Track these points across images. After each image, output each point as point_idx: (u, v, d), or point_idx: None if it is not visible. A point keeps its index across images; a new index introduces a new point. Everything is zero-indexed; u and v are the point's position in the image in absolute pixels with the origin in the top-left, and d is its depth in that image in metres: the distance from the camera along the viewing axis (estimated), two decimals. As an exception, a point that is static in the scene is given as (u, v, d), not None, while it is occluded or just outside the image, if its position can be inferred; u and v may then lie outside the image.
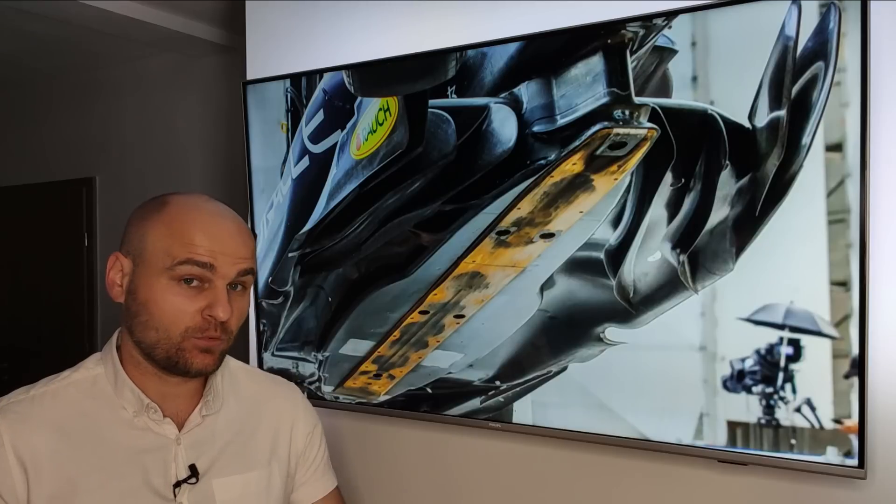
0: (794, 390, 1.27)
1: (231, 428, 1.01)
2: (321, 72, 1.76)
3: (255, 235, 1.89)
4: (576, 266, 1.45)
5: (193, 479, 0.93)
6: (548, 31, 1.45)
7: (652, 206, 1.37)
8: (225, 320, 0.89)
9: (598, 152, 1.40)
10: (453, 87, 1.56)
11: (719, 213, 1.31)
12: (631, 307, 1.40)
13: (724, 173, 1.30)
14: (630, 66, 1.36)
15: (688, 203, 1.34)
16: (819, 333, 1.25)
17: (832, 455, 1.25)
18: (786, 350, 1.27)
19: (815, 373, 1.25)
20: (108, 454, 0.90)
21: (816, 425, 1.26)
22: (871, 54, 1.19)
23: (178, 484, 0.92)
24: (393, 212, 1.66)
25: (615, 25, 1.37)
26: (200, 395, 0.99)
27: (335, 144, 1.73)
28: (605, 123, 1.38)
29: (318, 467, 1.12)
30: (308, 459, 1.10)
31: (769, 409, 1.29)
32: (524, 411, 1.55)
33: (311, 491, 1.11)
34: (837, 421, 1.24)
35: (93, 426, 0.91)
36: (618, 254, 1.41)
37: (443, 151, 1.58)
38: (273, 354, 1.90)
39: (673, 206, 1.35)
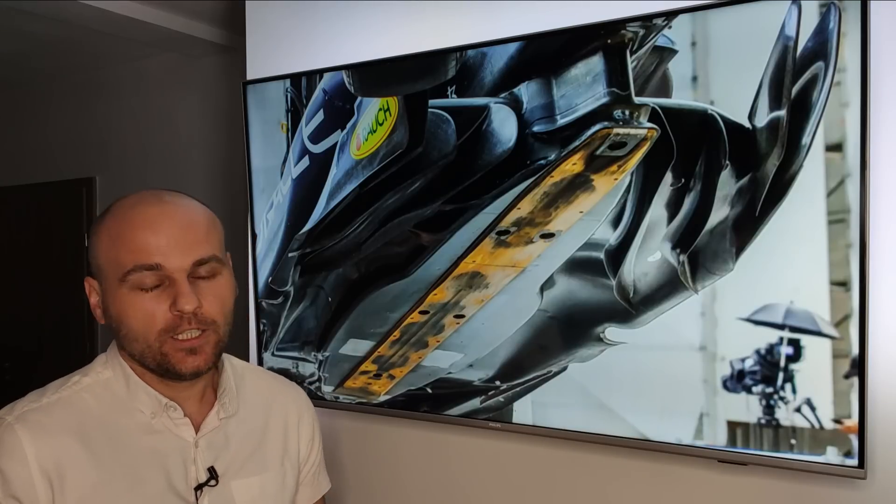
0: (794, 390, 1.27)
1: (244, 429, 1.00)
2: (321, 72, 1.76)
3: (255, 236, 1.89)
4: (576, 266, 1.45)
5: (214, 482, 0.93)
6: (548, 31, 1.45)
7: (652, 206, 1.37)
8: (192, 310, 0.85)
9: (598, 152, 1.40)
10: (453, 87, 1.56)
11: (719, 213, 1.31)
12: (631, 307, 1.40)
13: (724, 173, 1.30)
14: (630, 66, 1.36)
15: (688, 203, 1.34)
16: (819, 333, 1.25)
17: (832, 455, 1.25)
18: (786, 350, 1.27)
19: (815, 373, 1.25)
20: (129, 459, 0.89)
21: (816, 425, 1.26)
22: (871, 54, 1.19)
23: (199, 487, 0.92)
24: (393, 212, 1.66)
25: (615, 25, 1.37)
26: (212, 397, 0.98)
27: (335, 144, 1.73)
28: (605, 123, 1.38)
29: (314, 471, 1.12)
30: (309, 461, 1.10)
31: (769, 409, 1.29)
32: (524, 411, 1.55)
33: (306, 493, 1.10)
34: (837, 421, 1.24)
35: (112, 431, 0.90)
36: (618, 254, 1.41)
37: (443, 151, 1.57)
38: (273, 354, 1.90)
39: (673, 206, 1.35)
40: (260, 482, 0.99)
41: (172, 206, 0.89)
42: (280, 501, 1.02)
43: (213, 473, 0.93)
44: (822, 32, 1.21)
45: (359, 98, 1.69)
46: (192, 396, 0.96)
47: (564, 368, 1.49)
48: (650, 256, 1.38)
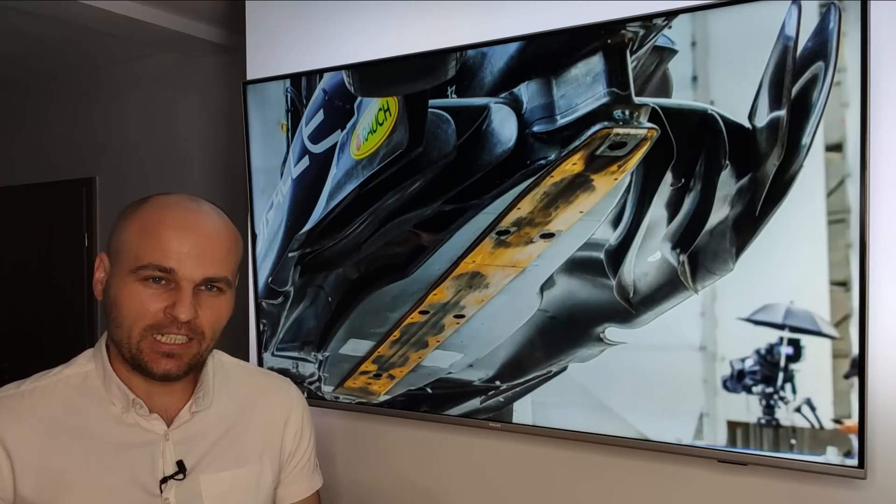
0: (794, 390, 1.27)
1: (222, 424, 1.01)
2: (321, 72, 1.76)
3: (254, 236, 1.89)
4: (576, 266, 1.45)
5: (180, 476, 0.93)
6: (548, 31, 1.45)
7: (652, 206, 1.37)
8: (186, 320, 0.87)
9: (598, 152, 1.40)
10: (453, 87, 1.56)
11: (719, 213, 1.31)
12: (631, 307, 1.40)
13: (724, 173, 1.30)
14: (630, 66, 1.36)
15: (688, 203, 1.34)
16: (819, 333, 1.25)
17: (832, 455, 1.25)
18: (786, 350, 1.27)
19: (815, 373, 1.25)
20: (95, 450, 0.91)
21: (816, 425, 1.26)
22: (871, 54, 1.19)
23: (164, 480, 0.92)
24: (393, 212, 1.66)
25: (615, 25, 1.37)
26: (190, 391, 0.99)
27: (335, 144, 1.73)
28: (605, 123, 1.38)
29: (305, 466, 1.12)
30: (296, 457, 1.10)
31: (769, 409, 1.29)
32: (524, 411, 1.55)
33: (294, 490, 1.10)
34: (837, 421, 1.24)
35: (81, 422, 0.91)
36: (618, 254, 1.41)
37: (443, 151, 1.58)
38: (273, 354, 1.90)
39: (673, 206, 1.35)
40: (232, 477, 0.99)
41: (206, 218, 0.92)
42: (254, 496, 1.02)
43: (180, 467, 0.94)
44: (822, 32, 1.21)
45: (359, 98, 1.69)
46: (170, 391, 0.97)
47: (564, 368, 1.49)
48: (650, 256, 1.38)
